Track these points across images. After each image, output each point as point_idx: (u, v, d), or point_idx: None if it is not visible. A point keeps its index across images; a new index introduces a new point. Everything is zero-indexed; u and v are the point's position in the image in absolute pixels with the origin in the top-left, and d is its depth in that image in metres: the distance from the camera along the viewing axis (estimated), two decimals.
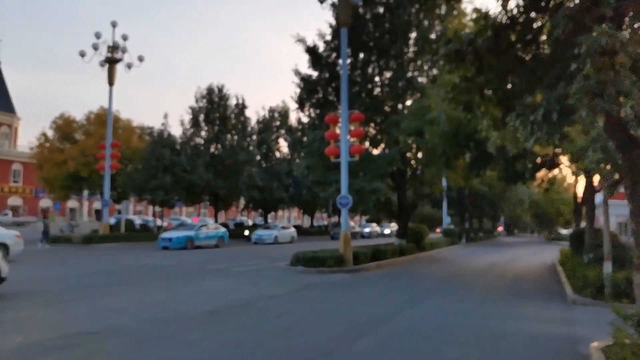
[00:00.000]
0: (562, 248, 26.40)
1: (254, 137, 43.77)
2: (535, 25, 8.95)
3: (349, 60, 20.82)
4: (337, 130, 18.38)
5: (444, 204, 43.91)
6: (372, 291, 12.46)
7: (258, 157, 42.81)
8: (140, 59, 30.10)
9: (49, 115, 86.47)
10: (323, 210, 55.32)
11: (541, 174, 21.52)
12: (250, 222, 54.78)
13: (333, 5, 21.84)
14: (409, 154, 23.04)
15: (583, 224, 22.54)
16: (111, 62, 29.54)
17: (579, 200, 22.17)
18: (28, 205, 59.29)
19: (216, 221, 43.13)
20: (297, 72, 23.29)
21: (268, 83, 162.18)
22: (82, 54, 28.53)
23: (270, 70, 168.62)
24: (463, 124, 15.64)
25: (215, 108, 40.04)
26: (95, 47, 28.65)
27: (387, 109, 23.29)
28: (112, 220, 35.99)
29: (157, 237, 27.45)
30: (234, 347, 6.60)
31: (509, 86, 9.67)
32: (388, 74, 23.32)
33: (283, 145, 47.35)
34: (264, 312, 9.07)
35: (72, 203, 57.16)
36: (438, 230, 50.51)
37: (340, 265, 16.66)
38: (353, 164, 18.42)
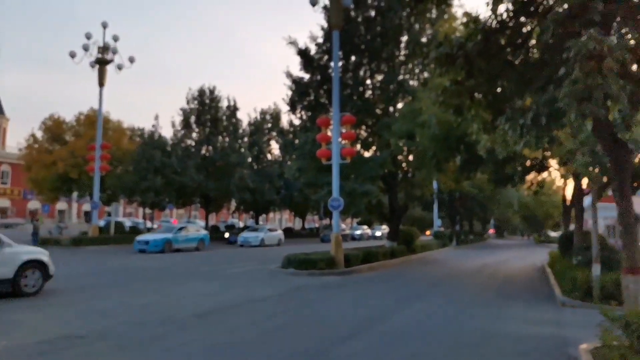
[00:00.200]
0: (551, 250, 26.57)
1: (246, 139, 43.68)
2: (524, 30, 9.03)
3: (340, 63, 20.86)
4: (329, 133, 18.40)
5: (435, 207, 44.07)
6: (363, 293, 12.46)
7: (249, 159, 42.72)
8: (131, 60, 29.90)
9: (39, 116, 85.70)
10: (314, 212, 55.29)
11: (530, 176, 21.65)
12: (241, 224, 54.60)
13: (325, 8, 21.87)
14: (400, 157, 23.14)
15: (572, 227, 22.74)
16: (101, 63, 29.32)
17: (568, 203, 22.34)
18: (16, 207, 58.56)
19: (207, 223, 43.07)
20: (289, 75, 23.30)
21: (260, 85, 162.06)
22: (72, 55, 28.31)
23: (262, 73, 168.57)
24: (453, 127, 15.74)
25: (207, 110, 39.92)
26: (86, 48, 28.44)
27: (378, 111, 23.37)
28: (102, 222, 35.71)
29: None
30: (224, 349, 6.56)
31: (499, 90, 9.73)
32: (379, 77, 23.40)
33: (275, 148, 47.36)
34: (254, 314, 9.03)
35: (61, 205, 56.48)
36: (428, 232, 50.66)
37: (332, 267, 16.65)
38: (344, 167, 18.44)
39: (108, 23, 29.80)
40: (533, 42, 8.94)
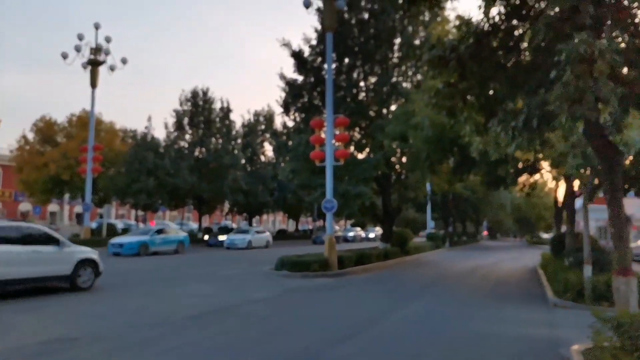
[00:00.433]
0: (544, 252, 26.75)
1: (239, 140, 43.63)
2: (516, 33, 9.11)
3: (334, 65, 20.90)
4: (322, 135, 18.42)
5: (428, 208, 44.23)
6: (356, 295, 12.47)
7: (243, 161, 42.65)
8: (124, 61, 29.76)
9: (32, 117, 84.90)
10: (308, 214, 55.26)
11: (522, 178, 21.81)
12: (234, 226, 54.48)
13: (318, 10, 21.93)
14: (393, 159, 23.21)
15: (564, 228, 22.90)
16: (94, 64, 29.15)
17: (560, 204, 22.50)
18: (7, 209, 57.94)
19: (200, 225, 42.94)
20: (282, 76, 23.33)
21: (254, 87, 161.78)
22: (65, 56, 28.13)
23: (256, 74, 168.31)
24: (446, 129, 15.82)
25: (200, 111, 39.82)
26: (78, 49, 28.27)
27: (371, 113, 23.44)
28: (94, 224, 35.43)
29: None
30: (219, 351, 6.55)
31: (491, 92, 9.80)
32: (373, 79, 23.48)
33: (268, 149, 47.33)
34: (248, 317, 9.01)
35: (52, 207, 55.98)
36: (420, 234, 50.85)
37: (325, 269, 16.64)
38: (338, 168, 18.46)
39: (101, 24, 29.65)
40: (525, 45, 9.02)
